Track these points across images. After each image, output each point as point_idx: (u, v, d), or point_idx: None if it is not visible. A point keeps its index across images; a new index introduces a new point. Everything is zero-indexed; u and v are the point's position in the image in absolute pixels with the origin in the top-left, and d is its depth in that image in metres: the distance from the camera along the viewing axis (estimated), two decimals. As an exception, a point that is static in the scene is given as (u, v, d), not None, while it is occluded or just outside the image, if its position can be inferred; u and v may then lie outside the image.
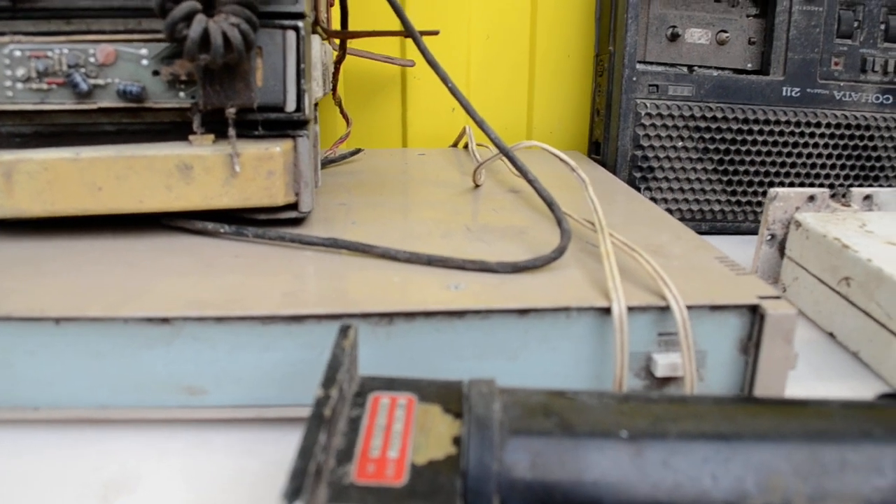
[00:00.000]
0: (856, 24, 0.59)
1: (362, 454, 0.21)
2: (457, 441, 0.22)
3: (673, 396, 0.23)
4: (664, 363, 0.30)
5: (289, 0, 0.36)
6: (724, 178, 0.58)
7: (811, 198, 0.45)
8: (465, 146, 0.65)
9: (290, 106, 0.37)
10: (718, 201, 0.59)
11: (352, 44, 0.58)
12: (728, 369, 0.31)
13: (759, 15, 0.59)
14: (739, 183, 0.59)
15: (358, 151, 0.58)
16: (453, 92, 0.40)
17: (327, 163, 0.55)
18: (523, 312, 0.29)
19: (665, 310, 0.30)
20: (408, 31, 0.40)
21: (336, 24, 0.62)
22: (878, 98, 0.60)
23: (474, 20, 0.67)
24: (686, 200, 0.58)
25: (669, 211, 0.58)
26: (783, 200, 0.45)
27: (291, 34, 0.36)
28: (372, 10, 0.64)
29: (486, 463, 0.20)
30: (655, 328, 0.30)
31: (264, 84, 0.36)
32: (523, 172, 0.37)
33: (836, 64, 0.59)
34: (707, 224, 0.59)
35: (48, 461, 0.28)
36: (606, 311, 0.29)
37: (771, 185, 0.59)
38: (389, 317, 0.29)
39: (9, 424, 0.30)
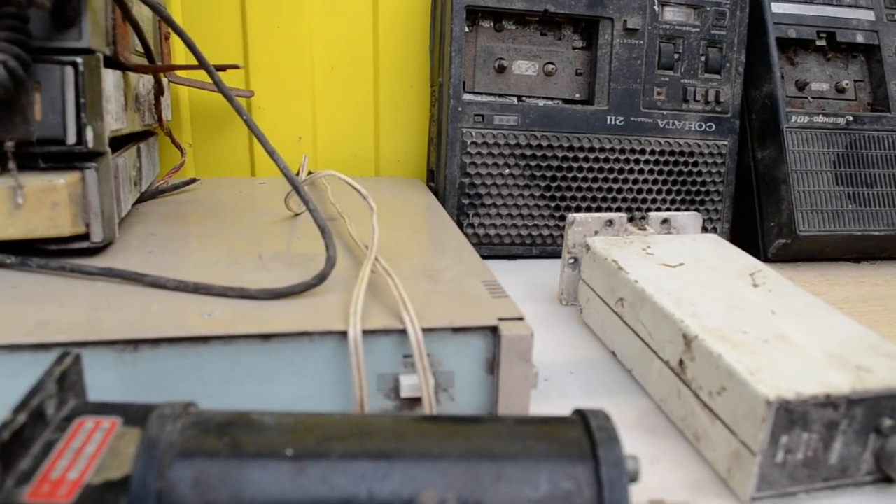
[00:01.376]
0: (676, 57, 0.62)
1: (43, 475, 0.22)
2: (138, 463, 0.22)
3: (352, 416, 0.24)
4: (407, 384, 0.31)
5: (71, 37, 0.37)
6: (552, 204, 0.61)
7: (609, 222, 0.48)
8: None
9: (71, 139, 0.37)
10: (547, 226, 0.61)
11: (192, 75, 0.59)
12: (477, 388, 0.33)
13: (585, 48, 0.62)
14: (567, 208, 0.61)
15: (193, 181, 0.59)
16: (248, 123, 0.41)
17: (158, 192, 0.55)
18: (266, 337, 0.31)
19: (405, 332, 0.31)
20: (202, 65, 0.41)
21: (180, 59, 0.63)
22: (700, 126, 0.64)
23: (317, 51, 0.68)
24: (515, 226, 0.61)
25: (499, 236, 0.60)
26: (581, 225, 0.47)
27: (70, 70, 0.37)
28: (222, 42, 0.65)
29: (148, 482, 0.21)
30: (400, 350, 0.32)
31: (43, 118, 0.37)
32: (305, 201, 0.39)
33: (659, 94, 0.63)
34: (537, 248, 0.62)
35: None
36: (346, 334, 0.31)
37: (598, 209, 0.62)
38: (134, 343, 0.30)
39: None
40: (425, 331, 0.31)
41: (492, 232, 0.60)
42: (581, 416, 0.25)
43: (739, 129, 0.65)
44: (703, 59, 0.63)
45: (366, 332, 0.31)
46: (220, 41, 0.65)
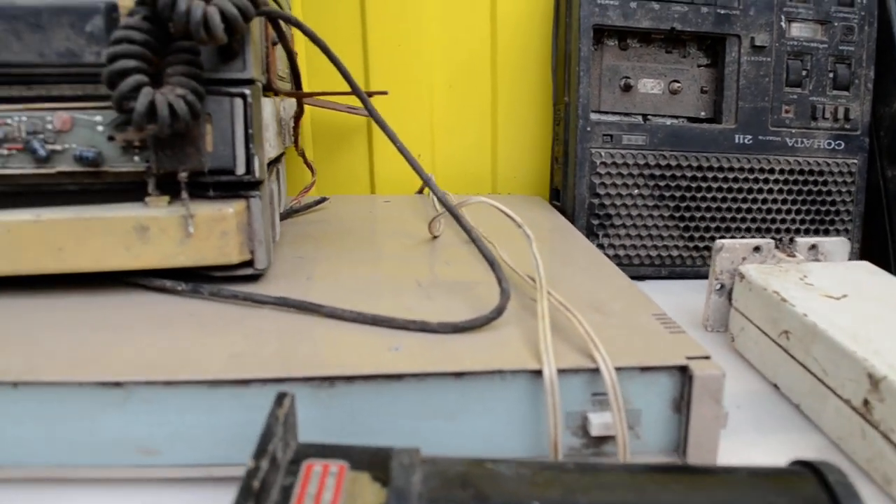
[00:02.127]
0: (804, 74, 0.61)
1: (289, 525, 0.22)
2: (380, 511, 0.22)
3: (587, 465, 0.24)
4: (598, 423, 0.31)
5: (236, 67, 0.38)
6: (681, 224, 0.60)
7: (757, 248, 0.47)
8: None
9: (241, 169, 0.38)
10: (676, 247, 0.60)
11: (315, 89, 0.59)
12: (663, 427, 0.32)
13: (710, 65, 0.61)
14: (696, 228, 0.60)
15: (323, 200, 0.60)
16: (401, 151, 0.41)
17: (292, 212, 0.56)
18: (459, 375, 0.30)
19: (596, 371, 0.31)
20: (355, 92, 0.42)
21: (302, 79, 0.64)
22: (829, 144, 0.62)
23: (436, 70, 0.69)
24: (644, 246, 0.60)
25: (628, 257, 0.60)
26: (729, 251, 0.46)
27: (239, 101, 0.37)
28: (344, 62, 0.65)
29: (403, 535, 0.21)
30: (589, 388, 0.31)
31: (214, 149, 0.38)
32: (467, 231, 0.39)
33: (787, 112, 0.61)
34: (666, 269, 0.61)
35: (0, 523, 0.29)
36: (539, 373, 0.30)
37: (727, 230, 0.61)
38: (331, 380, 0.30)
39: (-36, 486, 0.31)
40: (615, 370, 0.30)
41: (621, 253, 0.60)
42: (811, 468, 0.24)
43: (869, 147, 0.63)
44: (831, 75, 0.62)
45: (558, 371, 0.30)
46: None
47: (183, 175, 0.37)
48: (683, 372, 0.32)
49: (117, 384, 0.29)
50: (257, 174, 0.39)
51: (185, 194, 0.37)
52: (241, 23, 0.35)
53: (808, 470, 0.24)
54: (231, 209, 0.38)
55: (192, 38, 0.35)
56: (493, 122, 0.71)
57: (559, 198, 0.63)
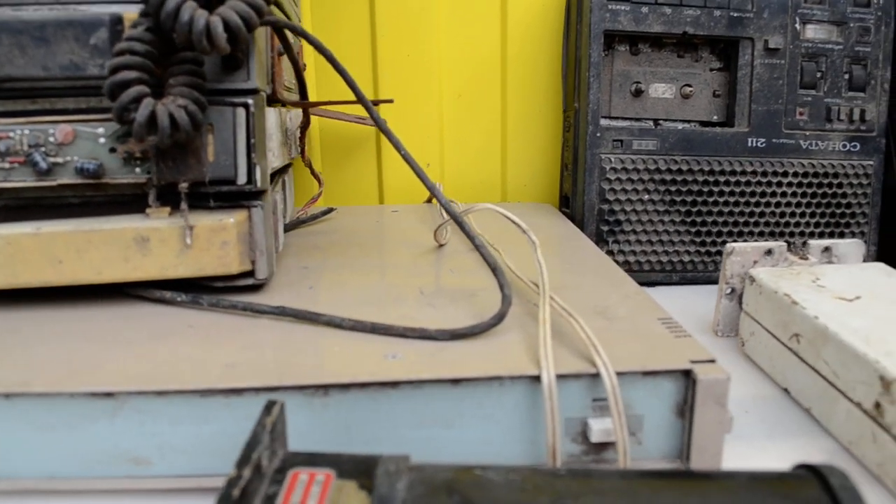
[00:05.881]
0: (819, 75, 0.60)
1: (272, 534, 0.22)
2: (366, 519, 0.22)
3: (579, 471, 0.23)
4: (598, 429, 0.30)
5: (240, 78, 0.38)
6: (693, 230, 0.59)
7: (769, 251, 0.46)
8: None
9: (242, 179, 0.38)
10: (688, 252, 0.59)
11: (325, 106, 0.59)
12: (666, 433, 0.32)
13: (723, 69, 0.60)
14: (708, 234, 0.59)
15: (330, 210, 0.60)
16: (406, 159, 0.41)
17: (298, 223, 0.56)
18: (456, 382, 0.30)
19: (597, 376, 0.30)
20: (360, 101, 0.41)
21: (310, 88, 0.64)
22: (844, 146, 0.61)
23: (445, 78, 0.68)
24: (655, 252, 0.59)
25: (639, 263, 0.59)
26: (740, 255, 0.45)
27: (241, 111, 0.37)
28: (353, 72, 0.66)
29: (387, 544, 0.21)
30: (590, 394, 0.31)
31: (216, 159, 0.37)
32: (470, 238, 0.38)
33: (801, 114, 0.60)
34: (677, 275, 0.60)
35: (-9, 537, 0.29)
36: (538, 378, 0.30)
37: (740, 234, 0.60)
38: (325, 388, 0.30)
39: (-42, 499, 0.31)
40: (616, 374, 0.30)
41: (631, 259, 0.59)
42: (814, 472, 0.24)
43: (885, 148, 0.62)
44: (846, 76, 0.61)
45: (557, 377, 0.30)
46: (350, 71, 0.66)
47: (184, 185, 0.37)
48: (687, 376, 0.31)
49: (109, 395, 0.29)
50: (259, 184, 0.39)
51: (184, 205, 0.37)
52: (244, 33, 0.35)
53: (811, 474, 0.24)
54: (232, 219, 0.38)
55: (194, 48, 0.35)
56: (503, 130, 0.70)
57: (568, 205, 0.63)
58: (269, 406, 0.26)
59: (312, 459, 0.25)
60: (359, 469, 0.25)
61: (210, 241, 0.38)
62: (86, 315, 0.38)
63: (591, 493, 0.22)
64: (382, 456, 0.24)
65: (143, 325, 0.36)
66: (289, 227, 0.55)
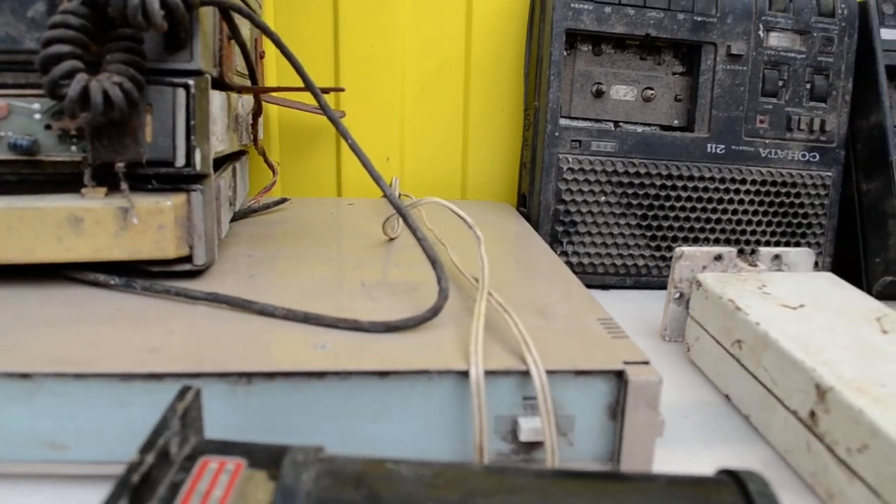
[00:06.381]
0: (781, 83, 0.60)
1: (172, 523, 0.21)
2: (269, 511, 0.21)
3: (493, 468, 0.23)
4: (527, 427, 0.30)
5: (182, 58, 0.37)
6: (649, 234, 0.59)
7: (718, 256, 0.46)
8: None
9: (180, 161, 0.37)
10: (642, 256, 0.59)
11: (283, 94, 0.59)
12: (597, 434, 0.31)
13: (685, 73, 0.60)
14: (664, 238, 0.59)
15: (283, 201, 0.59)
16: (353, 149, 0.40)
17: (250, 212, 0.55)
18: (383, 374, 0.29)
19: (528, 374, 0.30)
20: (308, 88, 0.41)
21: (271, 77, 0.63)
22: (804, 156, 0.61)
23: (409, 73, 0.68)
24: (609, 255, 0.59)
25: (593, 265, 0.59)
26: (689, 259, 0.45)
27: (182, 92, 0.36)
28: (314, 62, 0.65)
29: (286, 536, 0.20)
30: (520, 392, 0.30)
31: (154, 140, 0.36)
32: (413, 230, 0.37)
33: (762, 122, 0.60)
34: (631, 279, 0.59)
35: None
36: (466, 374, 0.29)
37: (696, 240, 0.60)
38: (248, 376, 0.29)
39: None
40: (547, 373, 0.29)
41: (585, 261, 0.58)
42: (734, 477, 0.23)
43: (844, 160, 0.62)
44: (808, 86, 0.61)
45: (486, 373, 0.29)
46: (312, 61, 0.65)
47: (120, 165, 0.36)
48: (619, 377, 0.30)
49: (25, 376, 0.28)
50: (199, 167, 0.38)
51: (124, 185, 0.36)
52: (181, 11, 0.35)
53: (731, 479, 0.23)
54: (169, 202, 0.37)
55: (130, 24, 0.34)
56: (465, 127, 0.70)
57: (525, 204, 0.62)
58: (182, 391, 0.25)
59: (225, 448, 0.24)
60: (270, 459, 0.24)
61: (147, 224, 0.37)
62: (13, 295, 0.36)
63: (504, 491, 0.22)
64: (292, 446, 0.23)
65: (71, 307, 0.35)
66: (240, 216, 0.54)
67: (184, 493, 0.22)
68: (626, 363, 0.30)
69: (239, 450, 0.24)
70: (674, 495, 0.22)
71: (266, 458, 0.24)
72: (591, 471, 0.24)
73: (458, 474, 0.22)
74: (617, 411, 0.31)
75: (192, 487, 0.22)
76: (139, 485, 0.21)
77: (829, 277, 0.45)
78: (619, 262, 0.59)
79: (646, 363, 0.31)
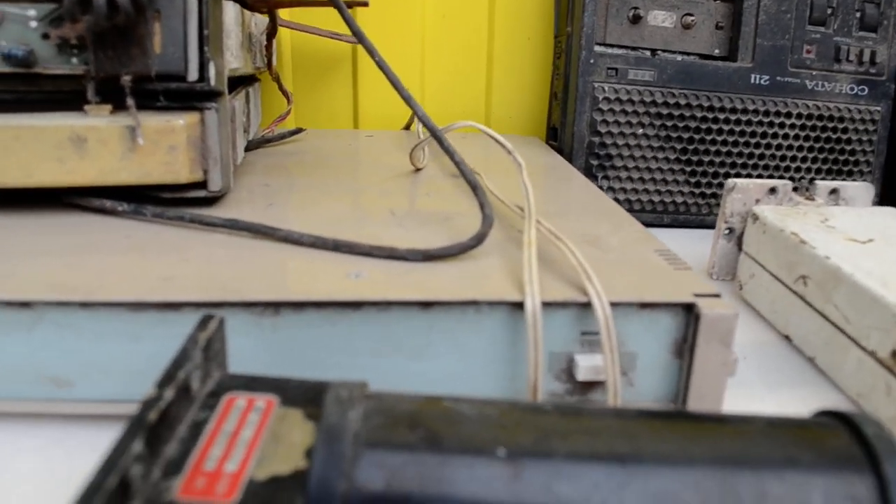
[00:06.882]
0: (829, 11, 0.56)
1: (195, 466, 0.18)
2: (310, 453, 0.18)
3: (568, 408, 0.20)
4: (586, 365, 0.27)
5: (193, -42, 0.33)
6: (688, 169, 0.55)
7: (772, 190, 0.42)
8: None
9: (193, 75, 0.33)
10: (681, 192, 0.56)
11: (298, 18, 0.55)
12: (661, 373, 0.28)
13: (728, -2, 0.56)
14: (703, 174, 0.56)
15: (299, 131, 0.55)
16: (380, 65, 0.36)
17: (264, 142, 0.51)
18: (426, 305, 0.26)
19: (588, 306, 0.26)
20: (331, 1, 0.37)
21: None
22: (852, 89, 0.57)
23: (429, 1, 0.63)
24: (646, 191, 0.55)
25: (629, 202, 0.55)
26: (742, 192, 0.42)
27: (193, -4, 0.33)
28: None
29: (332, 481, 0.17)
30: (578, 326, 0.27)
31: (163, 51, 0.33)
32: (450, 154, 0.34)
33: (809, 52, 0.56)
34: (669, 216, 0.56)
35: None
36: (520, 305, 0.26)
37: (737, 176, 0.56)
38: (276, 306, 0.26)
39: None
40: (610, 305, 0.26)
41: (621, 197, 0.55)
42: (843, 419, 0.20)
43: (894, 94, 0.58)
44: (858, 14, 0.57)
45: (543, 305, 0.26)
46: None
47: (126, 79, 0.32)
48: (689, 311, 0.27)
49: (25, 304, 0.25)
50: (213, 83, 0.34)
51: (130, 100, 0.33)
52: None
53: (838, 421, 0.20)
54: (181, 121, 0.33)
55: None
56: (489, 56, 0.65)
57: (556, 137, 0.58)
58: (204, 320, 0.22)
59: (253, 384, 0.21)
60: (306, 396, 0.21)
61: (157, 145, 0.33)
62: (11, 223, 0.33)
63: (582, 432, 0.18)
64: (332, 382, 0.20)
65: (75, 236, 0.32)
66: (253, 146, 0.50)
67: (208, 432, 0.19)
68: (696, 295, 0.27)
69: (270, 386, 0.21)
70: (778, 439, 0.19)
71: (301, 395, 0.21)
72: (677, 411, 0.21)
73: (528, 414, 0.19)
74: (684, 348, 0.28)
75: (218, 427, 0.19)
76: (157, 423, 0.18)
77: (892, 212, 0.42)
78: (656, 198, 0.55)
79: (717, 296, 0.28)
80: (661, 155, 0.55)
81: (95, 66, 0.32)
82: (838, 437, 0.19)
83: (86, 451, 0.26)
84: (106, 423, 0.27)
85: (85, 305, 0.25)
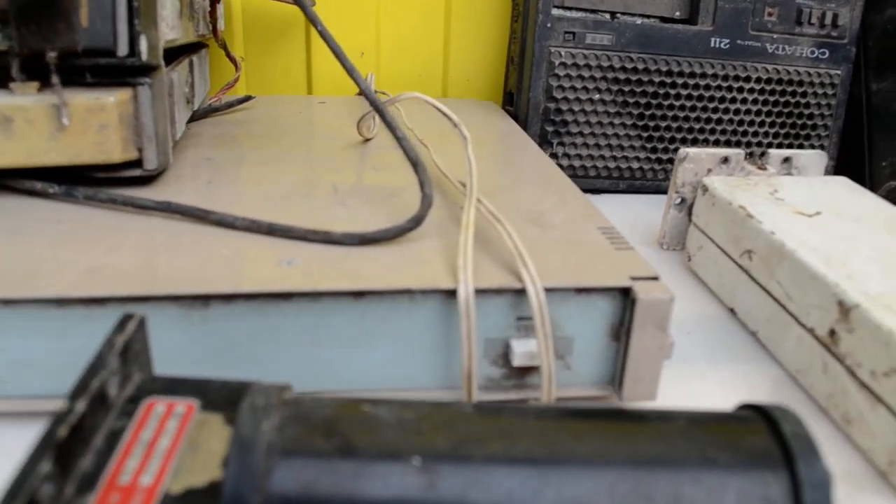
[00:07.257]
0: (792, -28, 0.55)
1: (110, 481, 0.18)
2: (226, 463, 0.18)
3: (488, 408, 0.19)
4: (521, 351, 0.27)
5: (119, -74, 0.31)
6: (645, 135, 0.55)
7: (725, 159, 0.42)
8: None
9: (123, 50, 0.32)
10: (637, 158, 0.55)
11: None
12: (598, 357, 0.28)
13: (688, -42, 0.55)
14: (661, 139, 0.55)
15: (248, 99, 0.54)
16: (323, 35, 0.35)
17: (210, 111, 0.50)
18: (359, 295, 0.26)
19: (522, 292, 0.26)
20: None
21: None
22: (813, 52, 0.57)
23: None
24: (602, 157, 0.55)
25: (584, 168, 0.55)
26: (694, 161, 0.41)
27: (120, -35, 0.31)
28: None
29: (244, 496, 0.17)
30: (514, 311, 0.27)
31: (90, 24, 0.31)
32: (391, 128, 0.33)
33: (770, 14, 0.55)
34: (625, 182, 0.56)
35: None
36: (454, 293, 0.26)
37: (695, 141, 0.56)
38: (204, 299, 0.25)
39: None
40: (545, 291, 0.26)
41: (576, 163, 0.54)
42: (763, 414, 0.20)
43: (855, 57, 0.58)
44: (820, -25, 0.56)
45: (477, 291, 0.26)
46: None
47: (52, 55, 0.31)
48: (626, 294, 0.27)
49: (-54, 300, 0.24)
50: (146, 57, 0.33)
51: (55, 78, 0.31)
52: None
53: (759, 416, 0.20)
54: (112, 98, 0.32)
55: None
56: (447, 19, 0.64)
57: (512, 102, 0.58)
58: (122, 321, 0.22)
59: (174, 386, 0.21)
60: (228, 398, 0.20)
61: (86, 124, 0.32)
62: (-62, 205, 0.32)
63: (501, 436, 0.18)
64: (253, 385, 0.20)
65: (4, 220, 0.31)
66: (199, 115, 0.49)
67: (125, 442, 0.19)
68: (633, 279, 0.27)
69: (191, 388, 0.21)
70: (696, 439, 0.19)
71: (222, 397, 0.20)
72: (600, 408, 0.21)
73: (447, 417, 0.19)
74: (621, 332, 0.27)
75: (135, 436, 0.19)
76: (69, 437, 0.17)
77: (844, 182, 0.42)
78: (612, 164, 0.55)
79: (655, 279, 0.27)
80: (617, 121, 0.54)
81: (19, 41, 0.31)
82: (757, 435, 0.19)
83: (21, 450, 0.25)
84: (39, 420, 0.26)
85: (8, 303, 0.25)
